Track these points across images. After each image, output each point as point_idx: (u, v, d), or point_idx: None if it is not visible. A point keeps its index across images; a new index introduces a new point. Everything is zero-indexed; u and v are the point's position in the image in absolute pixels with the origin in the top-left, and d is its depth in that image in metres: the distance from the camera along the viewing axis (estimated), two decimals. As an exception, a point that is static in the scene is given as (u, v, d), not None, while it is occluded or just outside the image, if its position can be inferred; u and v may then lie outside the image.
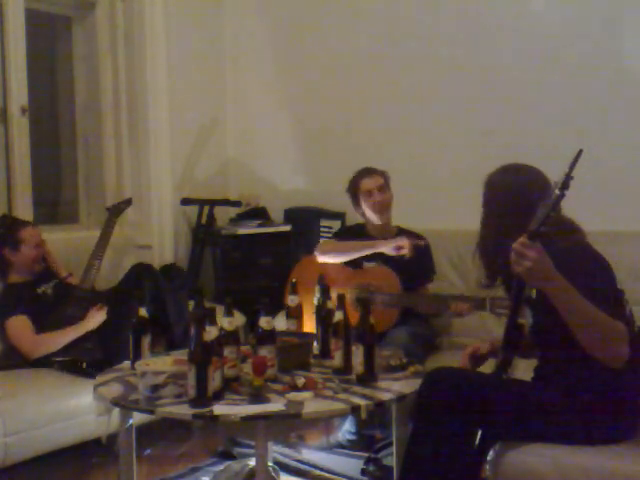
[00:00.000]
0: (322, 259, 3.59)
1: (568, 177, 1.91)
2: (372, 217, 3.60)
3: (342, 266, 3.57)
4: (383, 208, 3.57)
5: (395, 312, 3.37)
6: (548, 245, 2.00)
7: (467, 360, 2.42)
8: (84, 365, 3.08)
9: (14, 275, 3.44)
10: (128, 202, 3.95)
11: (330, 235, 4.14)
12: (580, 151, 1.90)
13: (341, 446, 3.34)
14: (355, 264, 3.56)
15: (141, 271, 3.51)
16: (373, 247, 3.49)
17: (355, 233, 3.70)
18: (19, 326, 3.25)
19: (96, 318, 3.31)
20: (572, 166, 1.92)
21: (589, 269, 2.09)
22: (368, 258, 3.53)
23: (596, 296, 1.98)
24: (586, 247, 2.19)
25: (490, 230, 2.27)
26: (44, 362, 3.21)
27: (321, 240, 3.92)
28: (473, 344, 2.47)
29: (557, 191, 1.92)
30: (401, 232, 3.65)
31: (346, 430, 3.36)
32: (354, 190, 3.61)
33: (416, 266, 3.49)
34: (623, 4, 3.57)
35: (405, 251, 3.40)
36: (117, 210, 3.83)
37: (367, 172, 3.61)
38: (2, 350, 3.32)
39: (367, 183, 3.57)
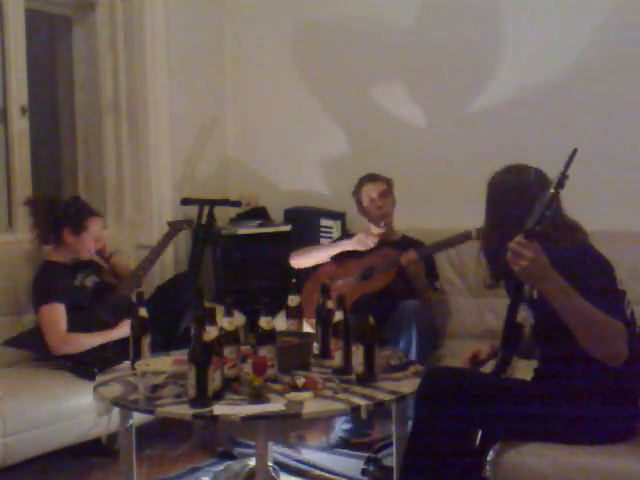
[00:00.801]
0: (295, 264, 3.77)
1: (563, 176, 1.92)
2: (373, 222, 3.63)
3: (347, 261, 3.65)
4: (383, 214, 3.61)
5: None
6: (549, 245, 2.00)
7: (467, 364, 2.42)
8: (96, 371, 3.04)
9: (59, 253, 3.40)
10: (190, 223, 3.98)
11: (332, 235, 4.15)
12: (575, 150, 1.91)
13: (341, 446, 3.34)
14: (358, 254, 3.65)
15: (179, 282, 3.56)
16: (338, 246, 3.69)
17: None
18: (53, 316, 3.21)
19: (126, 329, 3.16)
20: (567, 165, 1.92)
21: (589, 269, 2.09)
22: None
23: (594, 295, 1.98)
24: (587, 247, 2.19)
25: (493, 230, 2.27)
26: (59, 359, 3.19)
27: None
28: (473, 348, 2.47)
29: (552, 190, 1.93)
30: (405, 241, 3.67)
31: (346, 430, 3.36)
32: (357, 195, 3.68)
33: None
34: (622, 6, 3.58)
35: (369, 243, 3.55)
36: (178, 227, 3.83)
37: (370, 178, 3.66)
38: (30, 329, 3.30)
39: (369, 189, 3.63)
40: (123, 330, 3.21)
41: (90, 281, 3.44)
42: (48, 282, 3.31)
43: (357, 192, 3.69)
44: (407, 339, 3.19)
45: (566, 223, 2.21)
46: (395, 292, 3.45)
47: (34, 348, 3.24)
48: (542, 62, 3.73)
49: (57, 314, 3.22)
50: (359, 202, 3.69)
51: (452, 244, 3.51)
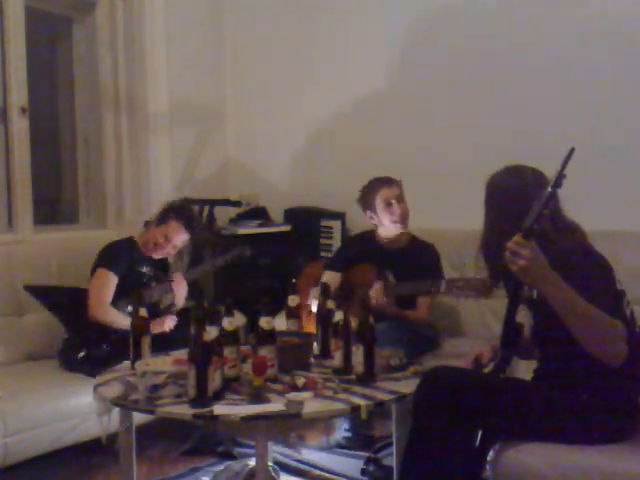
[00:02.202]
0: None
1: (560, 175, 1.92)
2: (391, 228, 3.51)
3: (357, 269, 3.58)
4: (404, 219, 3.49)
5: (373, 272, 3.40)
6: (548, 245, 2.00)
7: (470, 367, 2.40)
8: (80, 354, 3.08)
9: (143, 236, 3.48)
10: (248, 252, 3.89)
11: (331, 240, 4.13)
12: (572, 149, 1.91)
13: (341, 446, 3.34)
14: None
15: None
16: None
17: (364, 243, 3.65)
18: (105, 283, 3.28)
19: (162, 325, 3.24)
20: (564, 164, 1.92)
21: (588, 269, 2.09)
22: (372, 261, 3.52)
23: (594, 295, 1.98)
24: (587, 247, 2.19)
25: (491, 231, 2.27)
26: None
27: (325, 273, 3.69)
28: (475, 350, 2.46)
29: (549, 188, 1.93)
30: (412, 240, 3.61)
31: (346, 430, 3.36)
32: (370, 199, 3.51)
33: (421, 275, 3.38)
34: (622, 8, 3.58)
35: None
36: (240, 252, 3.78)
37: (386, 181, 3.50)
38: (60, 286, 3.35)
39: (386, 193, 3.47)
40: (159, 326, 3.21)
41: (151, 272, 3.49)
42: (117, 252, 3.40)
43: (370, 197, 3.49)
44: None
45: (565, 223, 2.21)
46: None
47: (52, 302, 3.29)
48: (544, 64, 3.73)
49: (109, 282, 3.29)
50: (371, 207, 3.50)
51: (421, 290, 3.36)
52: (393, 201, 3.47)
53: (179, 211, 3.51)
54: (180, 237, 3.49)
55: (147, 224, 3.56)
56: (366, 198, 3.53)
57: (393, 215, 3.48)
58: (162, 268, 3.59)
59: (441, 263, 3.57)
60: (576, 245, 2.17)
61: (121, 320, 3.20)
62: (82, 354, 3.10)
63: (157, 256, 3.51)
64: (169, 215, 3.47)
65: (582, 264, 2.10)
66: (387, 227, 3.53)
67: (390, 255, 3.53)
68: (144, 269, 3.47)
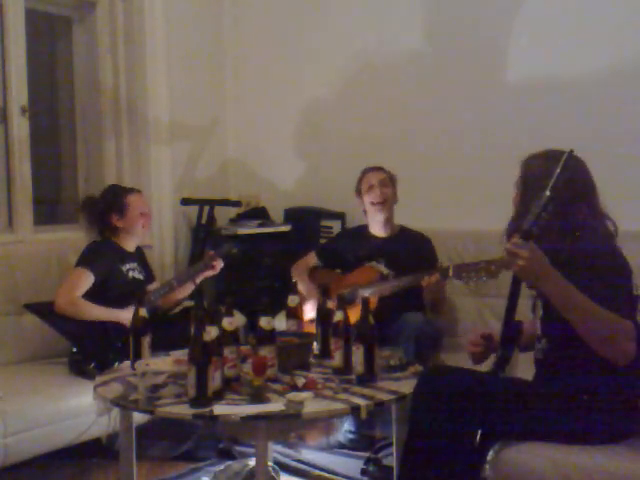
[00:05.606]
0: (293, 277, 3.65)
1: (559, 178, 1.92)
2: (371, 212, 3.60)
3: (332, 272, 3.65)
4: (384, 202, 3.56)
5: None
6: (550, 245, 2.00)
7: (477, 343, 2.35)
8: (92, 367, 3.07)
9: (119, 239, 3.49)
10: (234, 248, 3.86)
11: (332, 236, 4.14)
12: (570, 151, 1.91)
13: (341, 446, 3.34)
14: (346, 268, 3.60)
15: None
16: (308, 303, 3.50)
17: (356, 233, 3.71)
18: (77, 279, 3.26)
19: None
20: (563, 167, 1.92)
21: (603, 268, 2.08)
22: (370, 258, 3.53)
23: (600, 294, 1.98)
24: (606, 247, 2.16)
25: (516, 210, 2.24)
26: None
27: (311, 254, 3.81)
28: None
29: (548, 192, 1.93)
30: (403, 231, 3.65)
31: (346, 430, 3.36)
32: (358, 184, 3.65)
33: (416, 262, 3.44)
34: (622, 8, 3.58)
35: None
36: (226, 251, 3.73)
37: (372, 168, 3.64)
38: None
39: (369, 177, 3.61)
40: (128, 316, 3.17)
41: (134, 273, 3.48)
42: (94, 250, 3.41)
43: (358, 183, 3.65)
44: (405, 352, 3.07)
45: (593, 219, 2.19)
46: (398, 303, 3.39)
47: (50, 319, 3.25)
48: (546, 64, 3.72)
49: (82, 278, 3.27)
50: (359, 193, 3.64)
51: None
52: (374, 182, 3.58)
53: (118, 189, 3.60)
54: (143, 201, 3.60)
55: (104, 231, 3.51)
56: (357, 185, 3.67)
57: (373, 197, 3.57)
58: (142, 261, 3.59)
59: (435, 249, 3.60)
60: (595, 244, 2.14)
61: (92, 310, 3.18)
62: (92, 366, 3.08)
63: (146, 227, 3.56)
64: (121, 197, 3.49)
65: (598, 263, 2.08)
66: (370, 213, 3.60)
67: (380, 243, 3.59)
68: (127, 266, 3.46)
